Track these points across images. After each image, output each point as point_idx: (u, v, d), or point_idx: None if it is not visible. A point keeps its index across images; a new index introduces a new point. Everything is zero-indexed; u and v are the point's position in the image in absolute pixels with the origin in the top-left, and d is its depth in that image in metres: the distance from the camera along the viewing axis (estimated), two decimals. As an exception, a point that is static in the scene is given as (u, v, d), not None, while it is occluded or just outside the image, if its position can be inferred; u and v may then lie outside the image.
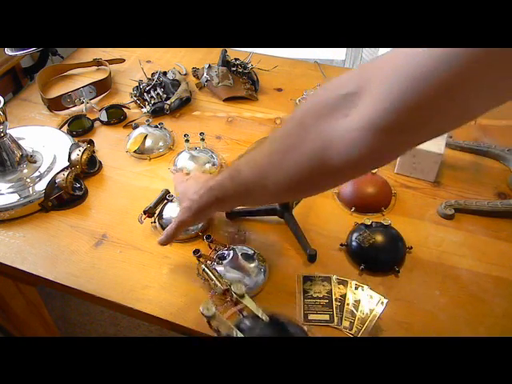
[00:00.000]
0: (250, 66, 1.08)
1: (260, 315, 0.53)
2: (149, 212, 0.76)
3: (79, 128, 0.97)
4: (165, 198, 0.78)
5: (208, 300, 0.54)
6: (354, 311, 0.64)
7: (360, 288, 0.67)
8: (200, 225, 0.74)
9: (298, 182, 0.49)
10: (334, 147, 0.43)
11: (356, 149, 0.41)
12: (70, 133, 0.95)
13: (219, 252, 0.70)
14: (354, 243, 0.71)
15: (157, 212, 0.77)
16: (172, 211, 0.76)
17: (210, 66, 1.08)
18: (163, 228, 0.74)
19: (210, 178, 0.64)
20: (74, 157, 0.84)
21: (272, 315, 0.54)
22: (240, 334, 0.49)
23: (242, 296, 0.55)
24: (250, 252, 0.70)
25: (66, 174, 0.81)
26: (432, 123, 0.40)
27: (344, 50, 2.22)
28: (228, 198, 0.59)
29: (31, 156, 0.86)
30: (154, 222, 0.77)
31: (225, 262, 0.68)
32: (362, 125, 0.40)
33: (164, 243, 0.69)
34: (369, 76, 0.41)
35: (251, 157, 0.54)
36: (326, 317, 0.64)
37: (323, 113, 0.44)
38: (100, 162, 0.89)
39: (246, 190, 0.55)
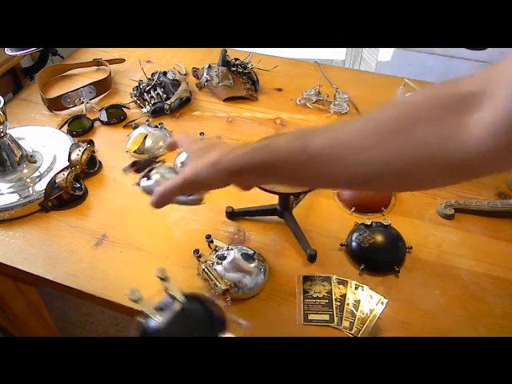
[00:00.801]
0: (250, 65, 1.08)
1: (178, 298, 0.53)
2: (138, 166, 0.64)
3: (79, 128, 0.97)
4: (158, 161, 0.65)
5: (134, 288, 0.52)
6: (354, 311, 0.64)
7: (360, 288, 0.67)
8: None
9: (397, 171, 0.44)
10: (459, 140, 0.40)
11: (486, 142, 0.39)
12: (70, 133, 0.95)
13: (219, 252, 0.70)
14: (353, 243, 0.71)
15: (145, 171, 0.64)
16: (163, 176, 0.62)
17: (210, 66, 1.08)
18: (146, 193, 0.62)
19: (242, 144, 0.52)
20: (74, 157, 0.84)
21: (189, 294, 0.54)
22: (158, 317, 0.51)
23: (165, 279, 0.54)
24: (250, 252, 0.70)
25: (65, 174, 0.81)
26: None
27: (344, 50, 2.22)
28: (277, 165, 0.47)
29: (31, 156, 0.86)
30: (138, 184, 0.64)
31: (225, 261, 0.68)
32: (492, 120, 0.38)
33: (157, 204, 0.56)
34: (493, 78, 0.40)
35: (326, 128, 0.47)
36: (326, 317, 0.64)
37: (443, 107, 0.42)
38: (100, 162, 0.89)
39: (309, 162, 0.46)
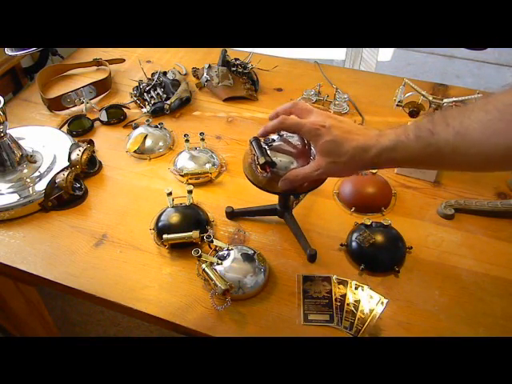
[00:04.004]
0: (249, 66, 1.08)
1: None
2: (269, 164, 0.62)
3: (79, 128, 0.97)
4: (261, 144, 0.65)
5: None
6: (354, 311, 0.64)
7: (360, 288, 0.67)
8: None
9: None
10: None
11: None
12: (70, 133, 0.95)
13: (219, 252, 0.70)
14: (353, 243, 0.71)
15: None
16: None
17: (210, 66, 1.08)
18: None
19: (364, 134, 0.57)
20: (74, 157, 0.84)
21: (191, 204, 0.78)
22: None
23: (170, 194, 0.77)
24: (250, 252, 0.70)
25: (65, 173, 0.81)
26: None
27: (344, 50, 2.22)
28: (409, 160, 0.55)
29: (31, 156, 0.86)
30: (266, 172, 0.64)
31: (225, 261, 0.68)
32: None
33: (285, 189, 0.62)
34: None
35: (449, 120, 0.51)
36: (326, 317, 0.64)
37: None
38: (100, 162, 0.89)
39: (438, 153, 0.52)
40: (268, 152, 0.63)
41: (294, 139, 0.64)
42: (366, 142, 0.56)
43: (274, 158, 0.62)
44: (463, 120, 0.50)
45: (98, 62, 1.15)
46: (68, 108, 1.02)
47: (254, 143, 0.64)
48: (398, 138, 0.54)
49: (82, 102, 1.01)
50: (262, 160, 0.62)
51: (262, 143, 0.65)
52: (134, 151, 0.91)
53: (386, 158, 0.55)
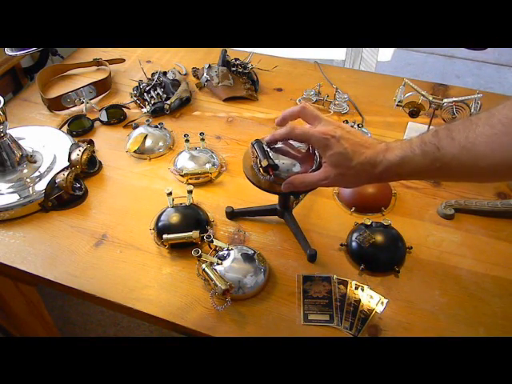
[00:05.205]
0: (250, 66, 1.08)
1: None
2: (272, 166, 0.62)
3: (79, 128, 0.97)
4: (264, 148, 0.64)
5: None
6: (354, 311, 0.64)
7: (360, 288, 0.67)
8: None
9: None
10: None
11: None
12: (70, 133, 0.95)
13: (219, 252, 0.70)
14: (353, 243, 0.71)
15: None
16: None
17: (210, 66, 1.08)
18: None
19: (371, 147, 0.57)
20: (74, 157, 0.84)
21: (191, 204, 0.78)
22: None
23: (170, 194, 0.77)
24: (250, 252, 0.70)
25: (65, 174, 0.81)
26: None
27: (344, 49, 2.22)
28: (415, 174, 0.56)
29: (31, 156, 0.86)
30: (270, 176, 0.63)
31: (225, 261, 0.68)
32: None
33: (287, 190, 0.62)
34: None
35: (454, 134, 0.52)
36: (326, 317, 0.64)
37: None
38: (100, 162, 0.89)
39: (444, 167, 0.53)
40: (270, 154, 0.63)
41: (296, 142, 0.64)
42: (373, 156, 0.56)
43: (276, 161, 0.62)
44: (468, 134, 0.51)
45: (98, 62, 1.15)
46: (68, 108, 1.02)
47: (256, 146, 0.64)
48: (405, 153, 0.55)
49: (82, 102, 1.01)
50: (264, 163, 0.61)
51: (264, 146, 0.64)
52: (134, 151, 0.91)
53: (392, 173, 0.56)
